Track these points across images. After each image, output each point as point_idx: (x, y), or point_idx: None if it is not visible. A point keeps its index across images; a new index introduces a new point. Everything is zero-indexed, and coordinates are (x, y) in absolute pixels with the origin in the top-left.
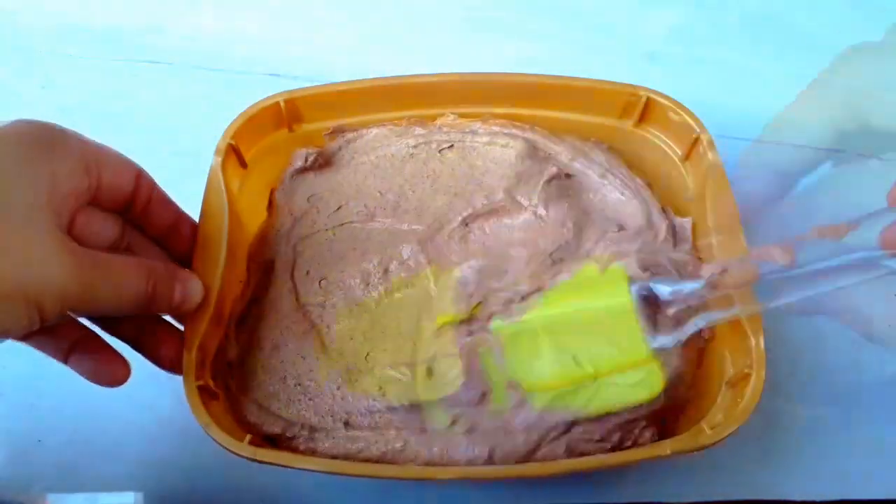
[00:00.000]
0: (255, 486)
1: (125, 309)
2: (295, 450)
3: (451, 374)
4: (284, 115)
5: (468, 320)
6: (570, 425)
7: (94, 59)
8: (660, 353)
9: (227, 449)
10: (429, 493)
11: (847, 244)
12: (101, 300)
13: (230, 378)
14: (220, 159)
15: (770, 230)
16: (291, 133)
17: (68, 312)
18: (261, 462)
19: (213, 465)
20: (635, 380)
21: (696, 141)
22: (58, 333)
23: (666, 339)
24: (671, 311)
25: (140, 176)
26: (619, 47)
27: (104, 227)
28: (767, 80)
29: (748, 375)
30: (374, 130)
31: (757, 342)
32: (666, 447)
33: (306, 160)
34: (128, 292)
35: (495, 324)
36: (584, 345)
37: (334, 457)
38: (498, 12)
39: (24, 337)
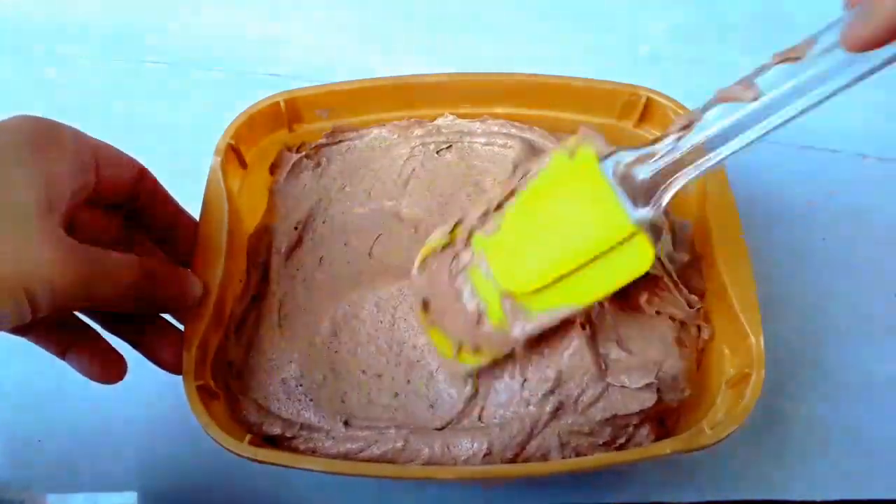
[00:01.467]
0: (255, 486)
1: (120, 303)
2: (295, 450)
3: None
4: (284, 115)
5: (450, 244)
6: (557, 410)
7: (94, 59)
8: (643, 227)
9: (227, 449)
10: (429, 493)
11: (809, 61)
12: (95, 293)
13: (230, 378)
14: (220, 159)
15: (771, 231)
16: (291, 133)
17: (64, 306)
18: (261, 462)
19: (213, 465)
20: (625, 256)
21: None
22: (57, 330)
23: (645, 210)
24: (643, 177)
25: (142, 172)
26: (619, 47)
27: (106, 225)
28: None
29: (748, 375)
30: (374, 131)
31: (757, 342)
32: (666, 447)
33: (298, 159)
34: (121, 287)
35: (476, 239)
36: (567, 235)
37: (334, 457)
38: (498, 13)
39: (23, 330)
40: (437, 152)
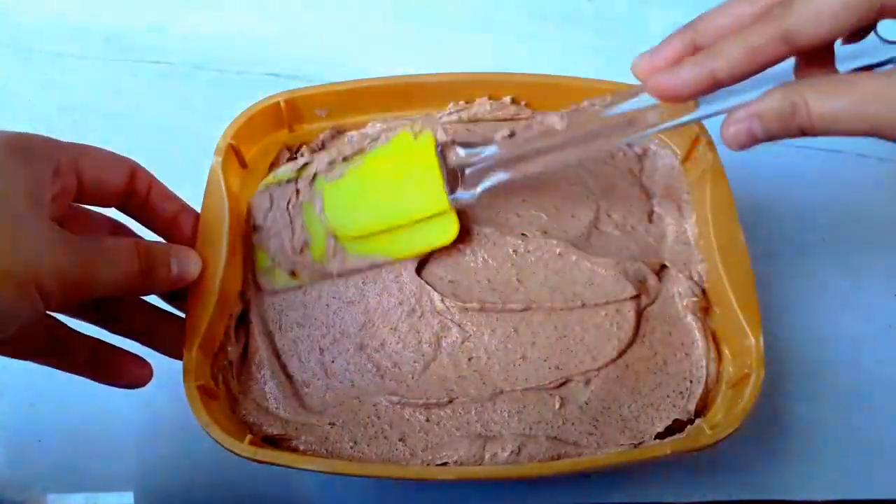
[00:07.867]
0: (255, 486)
1: (124, 286)
2: (295, 450)
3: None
4: (284, 115)
5: (296, 179)
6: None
7: (94, 59)
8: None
9: (227, 449)
10: (429, 492)
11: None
12: (98, 279)
13: (230, 378)
14: (220, 159)
15: (771, 231)
16: (291, 133)
17: (73, 295)
18: (261, 462)
19: (213, 465)
20: (435, 228)
21: (696, 141)
22: (70, 348)
23: (463, 195)
24: (469, 171)
25: (135, 171)
26: (619, 47)
27: (97, 222)
28: None
29: (748, 375)
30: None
31: (757, 342)
32: (666, 447)
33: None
34: (122, 267)
35: (319, 181)
36: (394, 198)
37: (333, 456)
38: (498, 12)
39: (37, 349)
40: None
